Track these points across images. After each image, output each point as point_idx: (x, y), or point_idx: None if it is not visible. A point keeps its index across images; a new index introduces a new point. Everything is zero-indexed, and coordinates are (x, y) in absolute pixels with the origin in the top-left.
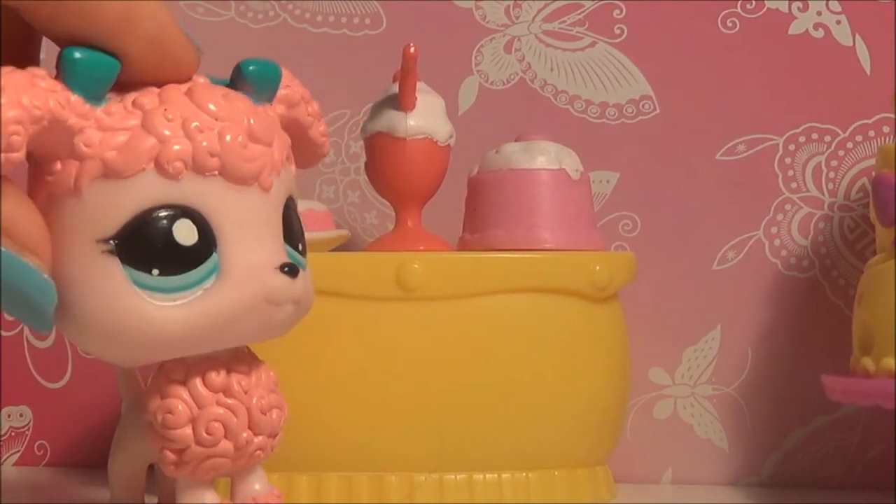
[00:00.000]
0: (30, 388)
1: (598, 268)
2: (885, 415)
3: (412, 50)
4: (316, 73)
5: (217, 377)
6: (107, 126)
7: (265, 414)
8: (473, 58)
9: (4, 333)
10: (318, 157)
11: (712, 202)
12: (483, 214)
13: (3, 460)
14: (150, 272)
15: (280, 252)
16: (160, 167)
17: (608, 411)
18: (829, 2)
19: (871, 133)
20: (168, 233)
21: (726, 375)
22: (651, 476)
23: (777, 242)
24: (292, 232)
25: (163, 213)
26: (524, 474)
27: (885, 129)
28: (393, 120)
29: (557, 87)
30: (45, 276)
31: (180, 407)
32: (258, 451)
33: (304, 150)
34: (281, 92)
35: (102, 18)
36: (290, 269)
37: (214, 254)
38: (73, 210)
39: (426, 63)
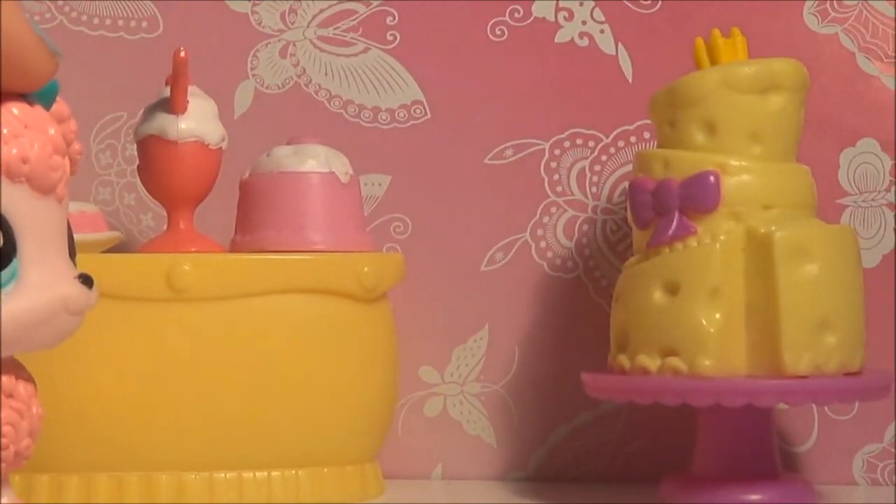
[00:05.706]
0: None
1: (366, 269)
2: (646, 410)
3: (182, 54)
4: (93, 76)
5: (7, 381)
6: None
7: (40, 422)
8: (249, 62)
9: None
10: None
11: (481, 205)
12: (254, 216)
13: None
14: None
15: (70, 263)
16: None
17: (377, 409)
18: (594, 11)
19: (633, 139)
20: None
21: (494, 373)
22: (421, 472)
23: (543, 244)
24: (70, 244)
25: None
26: (294, 472)
27: (646, 134)
28: (164, 123)
29: (332, 92)
30: None
31: None
32: (24, 461)
33: None
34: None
35: None
36: (86, 280)
37: (15, 260)
38: None
39: (202, 66)
